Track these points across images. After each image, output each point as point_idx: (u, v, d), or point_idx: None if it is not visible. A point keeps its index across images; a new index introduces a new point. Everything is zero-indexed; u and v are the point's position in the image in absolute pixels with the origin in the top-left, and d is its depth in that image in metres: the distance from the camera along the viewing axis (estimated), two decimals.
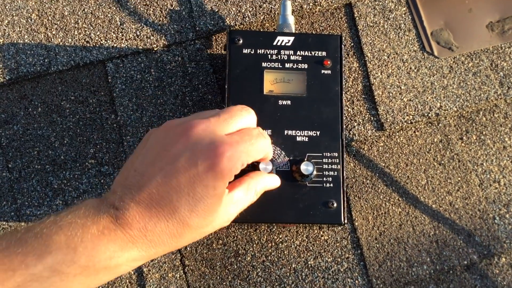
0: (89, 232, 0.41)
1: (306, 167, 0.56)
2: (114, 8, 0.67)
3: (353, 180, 0.66)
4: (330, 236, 0.64)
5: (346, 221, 0.58)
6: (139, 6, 0.68)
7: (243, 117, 0.49)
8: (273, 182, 0.54)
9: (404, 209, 0.65)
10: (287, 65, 0.60)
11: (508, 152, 0.68)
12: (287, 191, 0.57)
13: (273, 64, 0.60)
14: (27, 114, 0.64)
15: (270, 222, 0.58)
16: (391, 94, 0.67)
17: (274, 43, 0.60)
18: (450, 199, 0.66)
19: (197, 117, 0.48)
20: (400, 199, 0.66)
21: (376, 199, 0.65)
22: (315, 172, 0.57)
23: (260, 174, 0.53)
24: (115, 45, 0.66)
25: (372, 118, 0.67)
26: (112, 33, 0.66)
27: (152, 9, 0.68)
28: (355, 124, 0.67)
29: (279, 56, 0.60)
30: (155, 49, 0.67)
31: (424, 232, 0.65)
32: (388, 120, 0.67)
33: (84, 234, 0.41)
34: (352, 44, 0.70)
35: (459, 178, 0.67)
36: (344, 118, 0.60)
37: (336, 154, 0.58)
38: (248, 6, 0.68)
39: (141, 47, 0.66)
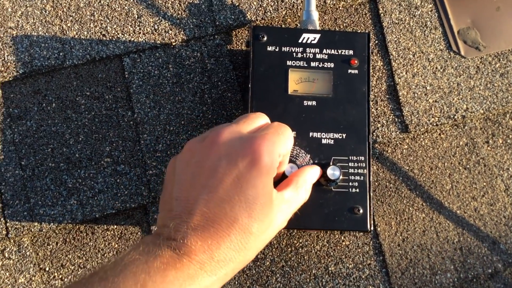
0: (154, 266, 0.39)
1: (332, 172, 0.54)
2: (132, 0, 0.65)
3: (376, 183, 0.64)
4: (351, 241, 0.62)
5: (372, 228, 0.56)
6: None
7: (260, 118, 0.49)
8: (317, 171, 0.53)
9: (428, 215, 0.63)
10: (312, 64, 0.58)
11: None
12: (312, 195, 0.55)
13: (298, 63, 0.58)
14: (40, 110, 0.62)
15: (293, 228, 0.56)
16: (416, 95, 0.65)
17: (300, 41, 0.58)
18: (475, 204, 0.64)
19: (216, 128, 0.47)
20: (424, 204, 0.64)
21: (399, 204, 0.64)
22: (341, 177, 0.55)
23: (303, 169, 0.52)
24: (132, 39, 0.64)
25: (396, 119, 0.65)
26: (129, 27, 0.64)
27: (170, 2, 0.65)
28: (379, 125, 0.65)
29: (304, 54, 0.58)
30: (174, 44, 0.65)
31: (448, 239, 0.63)
32: (413, 122, 0.64)
33: (150, 268, 0.39)
34: (376, 41, 0.67)
35: (484, 183, 0.65)
36: (371, 120, 0.58)
37: (362, 158, 0.56)
38: (269, 0, 0.65)
39: (159, 42, 0.64)
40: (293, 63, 0.58)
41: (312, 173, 0.52)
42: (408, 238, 0.63)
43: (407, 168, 0.64)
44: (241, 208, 0.41)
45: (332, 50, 0.58)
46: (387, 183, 0.64)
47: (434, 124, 0.65)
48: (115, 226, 0.61)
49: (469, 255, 0.63)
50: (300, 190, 0.49)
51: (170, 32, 0.64)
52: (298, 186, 0.49)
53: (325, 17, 0.67)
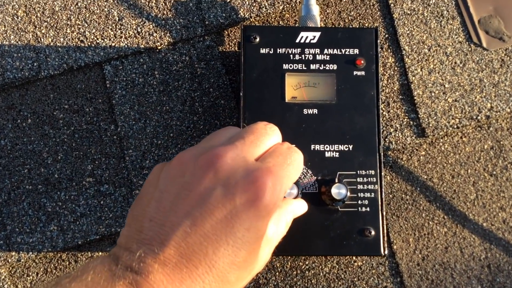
0: None
1: (338, 191, 0.47)
2: (112, 1, 0.59)
3: (390, 196, 0.57)
4: (364, 261, 0.55)
5: (386, 252, 0.49)
6: None
7: (270, 136, 0.40)
8: (302, 207, 0.46)
9: (451, 229, 0.56)
10: (312, 66, 0.51)
11: None
12: (315, 217, 0.48)
13: (296, 66, 0.51)
14: (15, 127, 0.56)
15: (295, 255, 0.50)
16: (433, 94, 0.58)
17: (297, 41, 0.51)
18: (503, 215, 0.57)
19: (216, 142, 0.39)
20: (445, 217, 0.57)
21: (417, 218, 0.56)
22: (348, 194, 0.48)
23: (286, 201, 0.44)
24: (113, 44, 0.57)
25: (411, 122, 0.58)
26: (110, 30, 0.58)
27: (154, 2, 0.59)
28: (392, 130, 0.57)
29: (303, 55, 0.51)
30: (159, 47, 0.58)
31: (474, 256, 0.56)
32: (430, 125, 0.57)
33: None
34: (386, 35, 0.60)
35: None
36: (381, 128, 0.51)
37: (373, 172, 0.49)
38: None
39: (142, 46, 0.58)
40: (291, 66, 0.51)
41: (295, 206, 0.44)
42: (429, 256, 0.56)
43: (425, 177, 0.57)
44: (226, 253, 0.34)
45: (335, 50, 0.51)
46: (403, 195, 0.57)
47: (455, 126, 0.57)
48: (100, 253, 0.55)
49: (498, 273, 0.55)
50: (281, 224, 0.41)
51: (155, 34, 0.58)
52: (279, 220, 0.41)
53: (327, 11, 0.60)
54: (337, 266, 0.55)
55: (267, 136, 0.40)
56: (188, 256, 0.34)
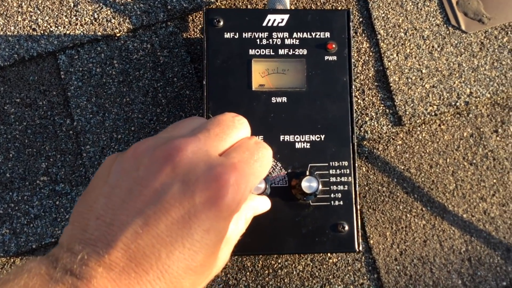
0: None
1: (308, 184, 0.44)
2: None
3: (366, 188, 0.54)
4: (340, 258, 0.53)
5: (360, 248, 0.46)
6: None
7: (237, 129, 0.36)
8: (264, 205, 0.42)
9: (429, 221, 0.54)
10: (280, 52, 0.47)
11: None
12: (286, 213, 0.45)
13: (263, 51, 0.47)
14: None
15: (265, 253, 0.47)
16: (410, 80, 0.55)
17: (264, 24, 0.48)
18: (484, 206, 0.54)
19: (177, 134, 0.35)
20: (424, 209, 0.54)
21: (394, 211, 0.54)
22: (320, 188, 0.45)
23: (248, 197, 0.40)
24: (67, 32, 0.53)
25: (387, 110, 0.55)
26: (64, 17, 0.54)
27: None
28: (367, 118, 0.54)
29: (270, 40, 0.47)
30: (118, 35, 0.54)
31: (453, 249, 0.53)
32: (407, 113, 0.54)
33: None
34: (360, 19, 0.57)
35: (494, 180, 0.55)
36: (354, 116, 0.48)
37: (346, 163, 0.46)
38: None
39: (100, 33, 0.54)
40: (257, 51, 0.47)
41: (257, 203, 0.41)
42: (407, 251, 0.53)
43: (402, 167, 0.54)
44: (181, 257, 0.31)
45: (304, 34, 0.48)
46: (379, 187, 0.54)
47: (433, 113, 0.54)
48: None
49: (479, 267, 0.53)
50: (240, 222, 0.38)
51: (113, 21, 0.54)
52: (238, 217, 0.38)
53: None
54: (311, 264, 0.52)
55: (235, 129, 0.36)
56: (137, 259, 0.30)
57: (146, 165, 0.32)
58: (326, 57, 0.48)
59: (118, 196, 0.32)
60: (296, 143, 0.46)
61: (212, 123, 0.35)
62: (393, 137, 0.55)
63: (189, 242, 0.31)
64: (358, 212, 0.46)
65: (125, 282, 0.29)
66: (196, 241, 0.31)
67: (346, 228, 0.45)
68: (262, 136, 0.46)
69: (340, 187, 0.46)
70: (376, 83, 0.55)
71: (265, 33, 0.47)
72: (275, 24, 0.48)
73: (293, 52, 0.47)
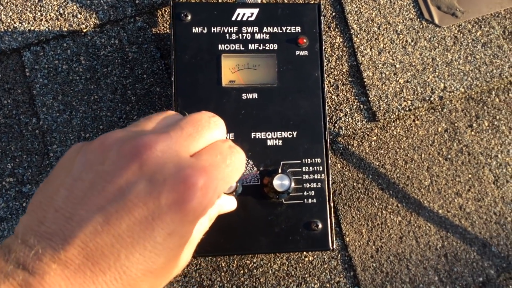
0: None
1: (280, 182, 0.43)
2: None
3: (341, 185, 0.53)
4: (316, 256, 0.52)
5: (334, 246, 0.45)
6: None
7: (212, 130, 0.35)
8: (229, 204, 0.41)
9: (405, 218, 0.53)
10: (251, 47, 0.46)
11: None
12: (258, 212, 0.44)
13: (232, 46, 0.46)
14: None
15: (237, 253, 0.45)
16: (383, 75, 0.54)
17: (233, 18, 0.46)
18: (460, 201, 0.54)
19: (149, 128, 0.34)
20: (399, 205, 0.53)
21: (370, 207, 0.53)
22: (293, 185, 0.44)
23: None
24: (32, 28, 0.52)
25: (361, 106, 0.54)
26: (28, 13, 0.52)
27: None
28: (341, 114, 0.54)
29: (240, 35, 0.46)
30: (84, 30, 0.52)
31: (430, 245, 0.53)
32: (381, 108, 0.54)
33: None
34: (333, 13, 0.56)
35: (469, 175, 0.54)
36: (327, 112, 0.47)
37: (319, 160, 0.45)
38: None
39: (65, 29, 0.52)
40: (227, 47, 0.46)
41: (222, 202, 0.40)
42: (383, 248, 0.52)
43: (377, 163, 0.54)
44: (141, 258, 0.29)
45: (275, 28, 0.47)
46: (355, 183, 0.53)
47: (407, 109, 0.54)
48: None
49: (455, 262, 0.53)
50: (203, 220, 0.37)
51: (79, 16, 0.52)
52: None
53: None
54: (287, 263, 0.51)
55: (209, 129, 0.35)
56: (95, 258, 0.28)
57: (112, 160, 0.31)
58: (297, 52, 0.47)
59: (80, 189, 0.30)
60: (268, 140, 0.45)
61: (187, 122, 0.34)
62: (368, 133, 0.54)
63: (151, 244, 0.29)
64: (332, 209, 0.45)
65: (79, 280, 0.28)
66: (158, 244, 0.30)
67: (320, 226, 0.44)
68: (232, 134, 0.45)
69: (313, 185, 0.45)
70: (350, 79, 0.54)
71: (235, 27, 0.46)
72: (244, 19, 0.46)
73: (264, 47, 0.46)
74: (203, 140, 0.34)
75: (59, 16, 0.52)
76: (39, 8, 0.52)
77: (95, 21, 0.52)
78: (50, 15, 0.52)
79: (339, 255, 0.52)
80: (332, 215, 0.45)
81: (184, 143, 0.33)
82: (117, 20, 0.53)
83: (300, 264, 0.51)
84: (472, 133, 0.55)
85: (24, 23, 0.52)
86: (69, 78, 0.52)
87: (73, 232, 0.28)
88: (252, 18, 0.47)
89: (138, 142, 0.31)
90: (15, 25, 0.52)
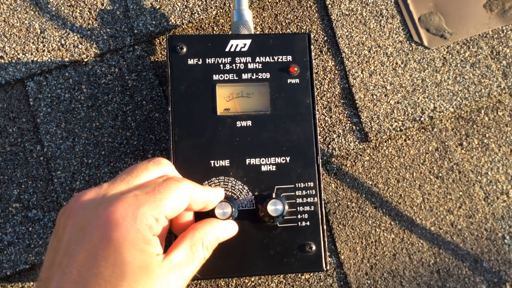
0: None
1: (274, 207, 0.45)
2: (32, 12, 0.55)
3: (336, 204, 0.55)
4: (312, 274, 0.53)
5: (328, 267, 0.47)
6: (62, 8, 0.55)
7: (149, 171, 0.39)
8: (229, 230, 0.43)
9: (398, 235, 0.55)
10: (244, 76, 0.48)
11: None
12: (254, 235, 0.46)
13: (226, 76, 0.48)
14: None
15: (234, 276, 0.47)
16: (375, 97, 0.56)
17: (227, 49, 0.48)
18: (451, 218, 0.55)
19: (82, 191, 0.38)
20: (392, 223, 0.55)
21: (364, 226, 0.55)
22: (286, 209, 0.46)
23: (208, 222, 0.41)
24: (35, 58, 0.54)
25: (354, 127, 0.56)
26: (31, 44, 0.54)
27: (78, 11, 0.55)
28: (334, 136, 0.55)
29: (233, 65, 0.48)
30: (85, 60, 0.55)
31: (422, 262, 0.54)
32: (373, 129, 0.55)
33: None
34: (325, 38, 0.58)
35: (460, 193, 0.56)
36: (318, 137, 0.49)
37: (311, 184, 0.47)
38: None
39: (67, 59, 0.54)
40: (221, 76, 0.48)
41: (220, 229, 0.42)
42: (377, 265, 0.54)
43: (370, 182, 0.56)
44: None
45: (267, 58, 0.49)
46: (349, 203, 0.55)
47: (398, 129, 0.55)
48: (32, 283, 0.52)
49: (448, 278, 0.54)
50: (195, 249, 0.39)
51: (80, 46, 0.54)
52: (193, 244, 0.39)
53: (263, 14, 0.57)
54: (284, 281, 0.53)
55: (145, 170, 0.39)
56: None
57: (61, 223, 0.36)
58: (289, 80, 0.48)
59: (49, 256, 0.36)
60: (262, 166, 0.47)
61: (123, 172, 0.39)
62: (361, 153, 0.56)
63: (102, 278, 0.33)
64: (325, 232, 0.47)
65: None
66: (108, 276, 0.33)
67: (313, 248, 0.46)
68: (228, 160, 0.47)
69: (307, 208, 0.47)
70: (342, 101, 0.56)
71: (228, 58, 0.48)
72: (237, 49, 0.48)
73: (257, 76, 0.48)
74: (137, 180, 0.38)
75: (60, 47, 0.54)
76: (41, 39, 0.54)
77: (96, 51, 0.54)
78: (52, 46, 0.54)
79: (335, 273, 0.54)
80: (326, 237, 0.47)
81: (115, 187, 0.37)
82: (117, 49, 0.55)
83: (297, 282, 0.53)
84: (462, 151, 0.57)
85: (27, 54, 0.54)
86: (71, 106, 0.54)
87: None
88: (245, 49, 0.48)
89: (72, 200, 0.36)
90: (18, 56, 0.54)
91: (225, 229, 0.42)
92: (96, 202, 0.35)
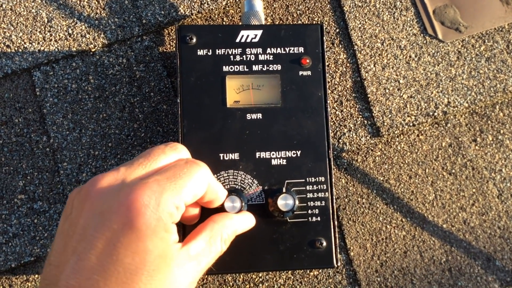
0: None
1: (284, 202, 0.44)
2: (39, 1, 0.54)
3: (346, 200, 0.54)
4: (320, 271, 0.53)
5: (339, 264, 0.46)
6: None
7: (166, 155, 0.38)
8: (246, 222, 0.43)
9: (409, 232, 0.54)
10: (255, 68, 0.47)
11: None
12: (263, 230, 0.45)
13: (237, 67, 0.47)
14: None
15: (242, 271, 0.46)
16: (387, 91, 0.55)
17: (237, 40, 0.47)
18: (464, 216, 0.54)
19: (99, 174, 0.37)
20: (403, 220, 0.54)
21: (374, 222, 0.54)
22: (297, 204, 0.45)
23: (227, 215, 0.41)
24: (42, 48, 0.53)
25: (365, 121, 0.55)
26: (38, 33, 0.53)
27: (86, 0, 0.54)
28: (345, 130, 0.54)
29: (244, 56, 0.47)
30: (93, 50, 0.54)
31: (434, 259, 0.53)
32: (385, 124, 0.54)
33: None
34: (337, 30, 0.56)
35: (473, 190, 0.55)
36: (330, 131, 0.47)
37: (323, 179, 0.46)
38: None
39: (74, 49, 0.53)
40: (231, 68, 0.47)
41: (238, 221, 0.41)
42: (387, 262, 0.53)
43: (381, 178, 0.54)
44: (120, 281, 0.32)
45: (278, 49, 0.47)
46: (359, 198, 0.54)
47: (411, 124, 0.54)
48: (37, 276, 0.51)
49: (460, 277, 0.53)
50: (214, 241, 0.38)
51: (87, 36, 0.53)
52: (212, 236, 0.38)
53: (274, 5, 0.56)
54: (292, 277, 0.52)
55: (163, 155, 0.38)
56: None
57: (75, 207, 0.35)
58: (300, 72, 0.47)
59: (61, 239, 0.35)
60: (272, 160, 0.46)
61: (140, 155, 0.38)
62: (372, 148, 0.55)
63: (122, 266, 0.32)
64: (336, 227, 0.46)
65: None
66: (128, 264, 0.32)
67: (324, 244, 0.45)
68: (237, 153, 0.46)
69: (317, 203, 0.46)
70: (354, 94, 0.55)
71: (239, 49, 0.47)
72: (248, 40, 0.47)
73: (267, 68, 0.47)
74: (155, 164, 0.37)
75: (68, 36, 0.53)
76: (49, 28, 0.53)
77: (103, 41, 0.53)
78: (59, 36, 0.53)
79: (344, 270, 0.53)
80: (336, 233, 0.46)
81: (132, 172, 0.36)
82: (125, 39, 0.54)
83: (305, 279, 0.52)
84: (476, 147, 0.56)
85: (34, 44, 0.53)
86: (78, 97, 0.53)
87: (59, 277, 0.32)
88: (256, 40, 0.47)
89: (88, 183, 0.35)
90: (25, 46, 0.53)
91: (243, 222, 0.42)
92: (116, 187, 0.34)
